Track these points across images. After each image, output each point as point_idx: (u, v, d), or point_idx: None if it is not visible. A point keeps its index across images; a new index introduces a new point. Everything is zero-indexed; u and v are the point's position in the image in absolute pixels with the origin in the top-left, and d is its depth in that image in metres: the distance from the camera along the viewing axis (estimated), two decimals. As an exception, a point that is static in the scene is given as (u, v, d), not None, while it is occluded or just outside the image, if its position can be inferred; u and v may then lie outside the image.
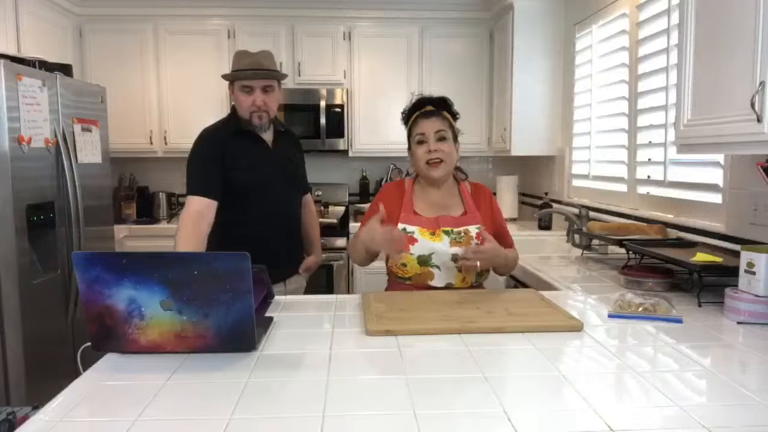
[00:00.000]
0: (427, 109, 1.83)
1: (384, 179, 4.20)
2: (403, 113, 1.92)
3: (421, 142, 1.80)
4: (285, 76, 2.13)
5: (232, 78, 2.02)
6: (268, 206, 2.03)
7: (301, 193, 2.25)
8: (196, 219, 1.90)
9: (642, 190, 2.60)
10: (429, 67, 3.97)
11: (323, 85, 3.91)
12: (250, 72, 1.98)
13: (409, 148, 1.87)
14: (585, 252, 2.53)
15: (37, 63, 2.65)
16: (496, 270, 1.89)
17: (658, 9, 2.44)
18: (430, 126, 1.79)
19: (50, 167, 2.66)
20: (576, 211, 2.95)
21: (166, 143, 3.92)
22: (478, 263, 1.69)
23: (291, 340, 1.34)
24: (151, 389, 1.05)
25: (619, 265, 2.06)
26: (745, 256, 1.48)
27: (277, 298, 1.70)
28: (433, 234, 1.78)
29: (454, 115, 1.87)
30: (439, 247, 1.76)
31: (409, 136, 1.86)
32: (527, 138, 3.58)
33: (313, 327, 1.46)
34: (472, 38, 3.99)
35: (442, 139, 1.79)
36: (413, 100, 1.89)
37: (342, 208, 4.10)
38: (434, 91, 1.91)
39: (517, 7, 3.49)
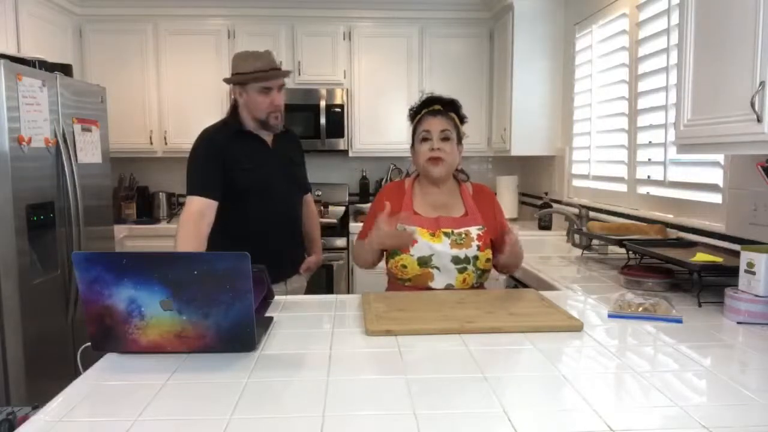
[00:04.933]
0: (435, 108, 1.83)
1: (384, 179, 4.20)
2: (411, 110, 1.91)
3: (425, 140, 1.80)
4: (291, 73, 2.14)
5: (253, 79, 1.98)
6: (268, 206, 2.03)
7: (302, 193, 2.25)
8: (197, 219, 1.90)
9: (642, 190, 2.60)
10: (429, 67, 3.97)
11: (323, 85, 3.91)
12: (271, 72, 1.98)
13: (413, 146, 1.86)
14: (585, 252, 2.53)
15: (37, 63, 2.65)
16: (507, 267, 1.89)
17: (658, 9, 2.44)
18: (436, 124, 1.79)
19: (50, 167, 2.66)
20: (576, 211, 2.95)
21: (166, 143, 3.92)
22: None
23: (291, 340, 1.34)
24: (151, 389, 1.05)
25: (619, 265, 2.06)
26: (745, 256, 1.48)
27: (277, 298, 1.70)
28: (433, 235, 1.78)
29: (462, 119, 1.87)
30: (439, 248, 1.76)
31: (414, 132, 1.86)
32: (527, 138, 3.57)
33: (313, 327, 1.46)
34: (472, 38, 3.99)
35: (446, 139, 1.79)
36: (423, 98, 1.89)
37: (342, 208, 4.10)
38: (434, 91, 1.91)
39: (517, 7, 3.49)
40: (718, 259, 1.72)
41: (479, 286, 1.84)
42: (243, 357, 1.21)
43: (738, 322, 1.45)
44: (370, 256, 1.83)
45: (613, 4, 2.87)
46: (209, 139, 2.02)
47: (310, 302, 1.72)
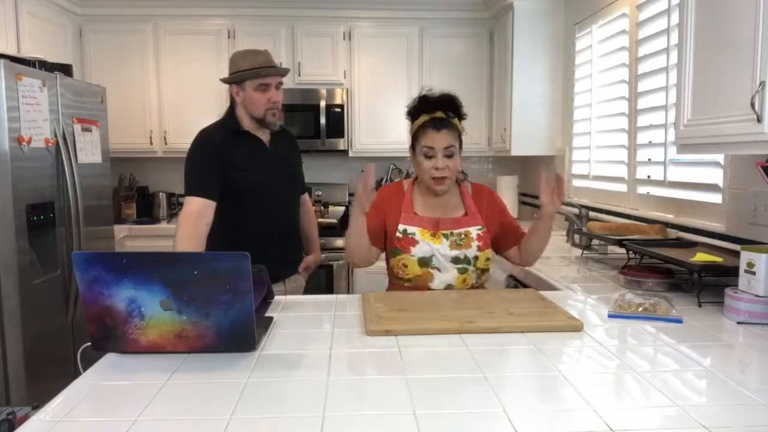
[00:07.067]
0: (437, 116, 1.74)
1: (384, 179, 4.20)
2: (408, 109, 1.82)
3: (428, 156, 1.73)
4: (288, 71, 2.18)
5: (253, 75, 1.98)
6: (266, 206, 2.03)
7: (300, 192, 2.25)
8: (196, 219, 1.90)
9: (642, 190, 2.60)
10: (429, 67, 3.97)
11: (323, 85, 3.91)
12: (271, 69, 2.00)
13: (412, 149, 1.81)
14: (585, 252, 2.53)
15: (37, 63, 2.65)
16: (530, 253, 1.85)
17: (658, 9, 2.44)
18: (440, 140, 1.72)
19: (50, 167, 2.66)
20: (576, 211, 2.95)
21: (166, 143, 3.92)
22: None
23: (291, 340, 1.34)
24: (151, 389, 1.05)
25: (619, 265, 2.06)
26: (745, 256, 1.48)
27: (277, 298, 1.70)
28: (433, 235, 1.77)
29: (462, 117, 1.80)
30: (439, 248, 1.76)
31: (414, 139, 1.79)
32: (527, 138, 3.57)
33: (313, 327, 1.46)
34: (472, 38, 3.99)
35: (450, 155, 1.73)
36: (421, 94, 1.79)
37: (342, 208, 4.10)
38: (433, 88, 1.85)
39: (517, 7, 3.49)
40: (718, 259, 1.72)
41: (479, 286, 1.84)
42: (243, 357, 1.21)
43: (738, 322, 1.45)
44: (357, 249, 1.75)
45: (613, 4, 2.87)
46: (206, 139, 2.02)
47: (310, 302, 1.72)
